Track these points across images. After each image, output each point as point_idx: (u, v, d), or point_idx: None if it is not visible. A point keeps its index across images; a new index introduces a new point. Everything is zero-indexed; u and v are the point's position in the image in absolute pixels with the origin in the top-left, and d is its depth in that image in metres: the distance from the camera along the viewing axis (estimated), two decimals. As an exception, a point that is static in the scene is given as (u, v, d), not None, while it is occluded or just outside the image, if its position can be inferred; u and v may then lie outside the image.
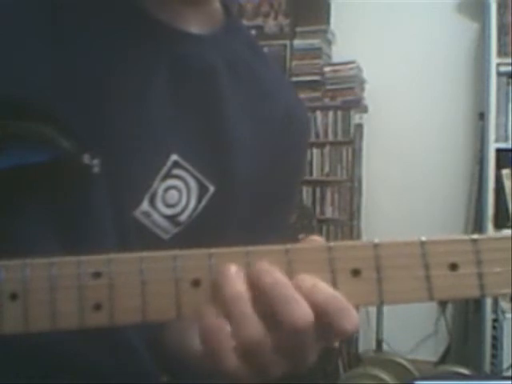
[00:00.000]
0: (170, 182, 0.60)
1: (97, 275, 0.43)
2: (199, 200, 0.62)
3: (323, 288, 0.43)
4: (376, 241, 0.44)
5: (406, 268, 0.43)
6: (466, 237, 0.44)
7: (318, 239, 0.46)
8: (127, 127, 0.59)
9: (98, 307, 0.43)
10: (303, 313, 0.41)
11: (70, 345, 0.53)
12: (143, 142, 0.60)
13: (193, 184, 0.62)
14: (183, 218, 0.61)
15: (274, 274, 0.42)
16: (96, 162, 0.57)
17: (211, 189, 0.63)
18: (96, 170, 0.57)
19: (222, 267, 0.43)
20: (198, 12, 0.67)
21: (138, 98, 0.60)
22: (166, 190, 0.60)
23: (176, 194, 0.61)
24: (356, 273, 0.44)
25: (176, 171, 0.60)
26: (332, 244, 0.44)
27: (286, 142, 0.71)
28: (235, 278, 0.42)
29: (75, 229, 0.57)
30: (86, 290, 0.43)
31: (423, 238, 0.44)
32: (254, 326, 0.42)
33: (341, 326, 0.42)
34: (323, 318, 0.42)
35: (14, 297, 0.43)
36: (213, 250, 0.44)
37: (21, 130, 0.55)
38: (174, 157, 0.60)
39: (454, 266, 0.43)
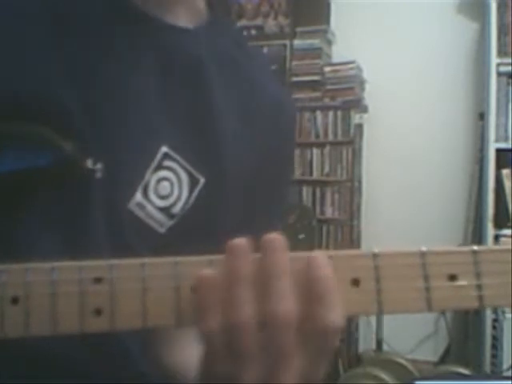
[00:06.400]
0: (162, 173, 0.61)
1: (98, 280, 0.43)
2: (191, 191, 0.63)
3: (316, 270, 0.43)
4: (376, 250, 0.44)
5: (406, 278, 0.44)
6: (466, 248, 0.44)
7: None
8: (123, 125, 0.60)
9: (98, 312, 0.43)
10: (284, 309, 0.42)
11: (64, 345, 0.53)
12: (134, 134, 0.60)
13: (183, 175, 0.62)
14: (176, 209, 0.62)
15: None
16: (99, 166, 0.57)
17: (201, 180, 0.63)
18: (99, 174, 0.57)
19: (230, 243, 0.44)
20: (183, 6, 0.67)
21: (131, 94, 0.61)
22: (158, 181, 0.60)
23: (168, 185, 0.61)
24: (355, 282, 0.44)
25: (167, 163, 0.61)
26: (332, 253, 0.44)
27: (274, 132, 0.71)
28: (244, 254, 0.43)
29: (75, 230, 0.58)
30: (86, 295, 0.43)
31: (423, 249, 0.44)
32: (246, 308, 0.42)
33: (325, 317, 0.42)
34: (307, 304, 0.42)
35: (15, 301, 0.43)
36: (213, 257, 0.44)
37: (24, 132, 0.55)
38: (164, 148, 0.61)
39: (453, 277, 0.43)
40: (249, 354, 0.43)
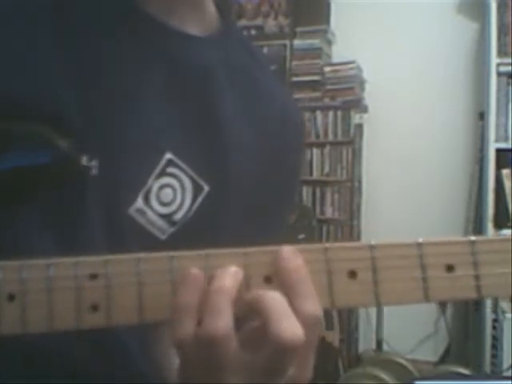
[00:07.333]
0: (165, 180, 0.60)
1: (94, 276, 0.43)
2: (194, 199, 0.62)
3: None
4: (372, 242, 0.44)
5: (403, 269, 0.43)
6: (463, 238, 0.43)
7: None
8: (123, 126, 0.60)
9: (94, 308, 0.43)
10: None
11: (64, 344, 0.53)
12: (138, 140, 0.60)
13: (187, 183, 0.62)
14: (178, 216, 0.61)
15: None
16: (94, 163, 0.57)
17: (206, 188, 0.63)
18: (94, 171, 0.57)
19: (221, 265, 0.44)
20: (195, 14, 0.67)
21: (133, 97, 0.60)
22: (161, 188, 0.60)
23: (170, 192, 0.61)
24: (352, 274, 0.44)
25: (170, 169, 0.61)
26: (328, 245, 0.44)
27: (281, 142, 0.71)
28: (229, 275, 0.43)
29: (73, 229, 0.58)
30: (82, 291, 0.43)
31: (420, 240, 0.44)
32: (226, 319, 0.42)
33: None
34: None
35: (11, 298, 0.43)
36: (210, 251, 0.44)
37: (20, 131, 0.55)
38: (169, 155, 0.60)
39: (450, 268, 0.43)
40: (229, 369, 0.43)
